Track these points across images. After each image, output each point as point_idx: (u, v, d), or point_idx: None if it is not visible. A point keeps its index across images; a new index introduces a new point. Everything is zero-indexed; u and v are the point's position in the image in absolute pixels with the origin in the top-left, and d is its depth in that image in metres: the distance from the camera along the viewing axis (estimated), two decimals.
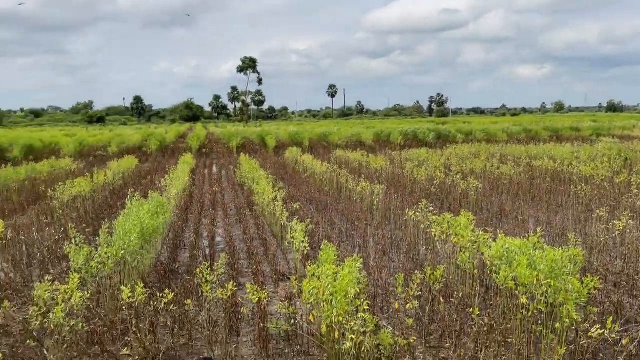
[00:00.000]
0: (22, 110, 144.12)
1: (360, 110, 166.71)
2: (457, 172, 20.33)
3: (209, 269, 7.62)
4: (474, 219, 9.27)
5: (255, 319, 7.76)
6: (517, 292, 6.52)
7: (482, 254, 8.14)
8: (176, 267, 10.79)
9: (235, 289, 7.77)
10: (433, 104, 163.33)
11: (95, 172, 21.23)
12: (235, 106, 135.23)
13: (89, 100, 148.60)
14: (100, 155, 36.25)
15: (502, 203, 16.08)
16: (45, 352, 6.76)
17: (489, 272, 7.95)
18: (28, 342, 6.81)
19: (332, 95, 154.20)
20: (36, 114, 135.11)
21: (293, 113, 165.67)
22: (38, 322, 6.99)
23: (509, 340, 6.84)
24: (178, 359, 6.85)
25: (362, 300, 5.84)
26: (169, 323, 7.53)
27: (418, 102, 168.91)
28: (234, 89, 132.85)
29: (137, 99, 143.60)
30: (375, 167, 23.07)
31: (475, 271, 8.26)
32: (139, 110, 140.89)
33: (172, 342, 7.13)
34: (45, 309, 7.11)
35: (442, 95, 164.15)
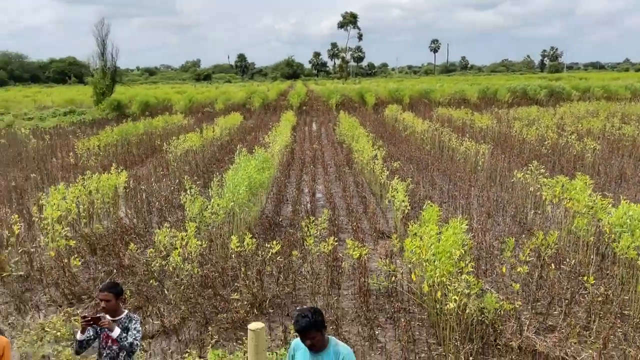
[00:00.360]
0: (137, 68, 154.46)
1: (464, 66, 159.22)
2: (571, 132, 18.92)
3: (311, 224, 7.83)
4: (591, 183, 8.64)
5: (355, 274, 7.92)
6: (639, 262, 6.05)
7: (599, 220, 7.60)
8: (279, 220, 11.21)
9: (336, 244, 7.96)
10: (545, 59, 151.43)
11: (204, 127, 22.39)
12: (334, 63, 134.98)
13: (197, 59, 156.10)
14: (208, 111, 38.03)
15: (623, 167, 14.78)
16: (166, 292, 7.41)
17: (606, 240, 7.43)
18: (151, 281, 7.49)
19: (435, 51, 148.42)
20: (150, 72, 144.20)
21: (393, 69, 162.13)
22: (158, 264, 7.67)
23: (627, 312, 6.42)
24: (283, 306, 7.19)
25: (467, 262, 5.72)
26: (274, 272, 7.90)
27: (528, 56, 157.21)
28: (334, 45, 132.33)
29: (241, 57, 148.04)
30: (480, 126, 22.10)
31: (591, 238, 7.75)
32: (242, 68, 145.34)
33: (277, 290, 7.48)
34: (164, 252, 7.77)
35: (556, 49, 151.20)
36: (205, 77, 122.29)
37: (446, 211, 10.79)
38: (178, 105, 38.17)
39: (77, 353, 4.29)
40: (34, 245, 9.24)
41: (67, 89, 67.50)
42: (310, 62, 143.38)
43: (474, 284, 5.48)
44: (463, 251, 5.83)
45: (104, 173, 11.94)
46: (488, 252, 8.62)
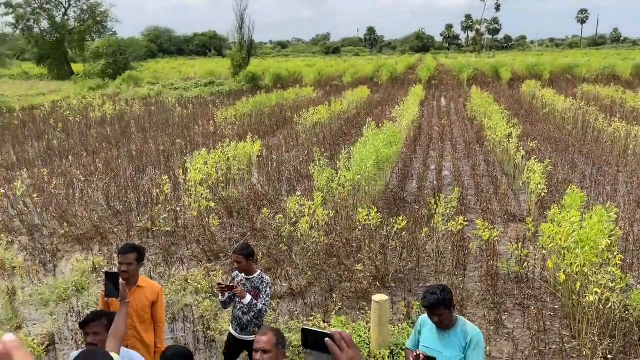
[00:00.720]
0: (270, 42, 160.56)
1: (616, 39, 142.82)
2: None
3: (441, 201, 7.66)
4: None
5: (483, 256, 7.66)
6: None
7: None
8: (404, 195, 11.13)
9: (466, 223, 7.73)
10: None
11: (332, 100, 22.76)
12: (467, 36, 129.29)
13: (327, 32, 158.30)
14: (336, 84, 38.53)
15: None
16: (294, 256, 7.77)
17: None
18: (280, 245, 7.89)
19: (582, 22, 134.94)
20: (282, 45, 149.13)
21: (532, 42, 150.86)
22: (287, 230, 8.05)
23: None
24: (405, 281, 7.19)
25: (615, 254, 5.23)
26: (398, 247, 7.90)
27: None
28: (468, 17, 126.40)
29: (370, 30, 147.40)
30: (632, 106, 19.87)
31: None
32: (371, 41, 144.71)
33: (400, 265, 7.48)
34: (294, 219, 8.13)
35: None
36: (334, 50, 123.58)
37: (588, 197, 9.93)
38: (308, 79, 39.13)
39: (224, 308, 4.79)
40: (179, 204, 10.16)
41: (208, 61, 72.31)
42: (441, 34, 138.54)
43: (621, 278, 5.02)
44: (609, 241, 5.35)
45: (239, 142, 12.69)
46: (636, 244, 7.82)
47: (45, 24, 52.28)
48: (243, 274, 4.59)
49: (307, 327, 1.61)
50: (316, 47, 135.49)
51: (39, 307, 6.71)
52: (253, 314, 4.48)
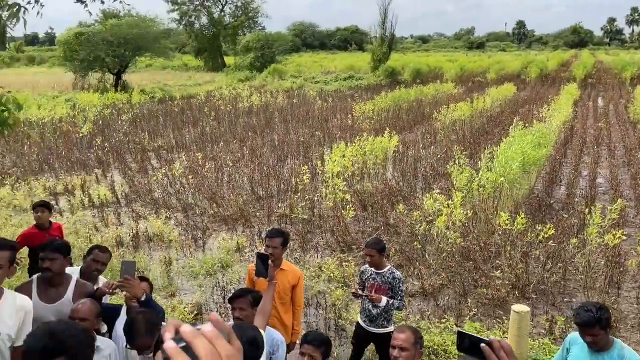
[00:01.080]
0: (411, 36, 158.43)
1: None
2: None
3: (596, 211, 7.00)
4: None
5: None
6: None
7: None
8: (551, 202, 10.35)
9: (625, 238, 6.99)
10: None
11: (474, 97, 21.84)
12: (633, 30, 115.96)
13: (471, 27, 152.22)
14: (479, 81, 36.92)
15: None
16: (427, 256, 7.62)
17: None
18: (415, 243, 7.79)
19: None
20: (423, 40, 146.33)
21: None
22: (422, 228, 7.91)
23: None
24: (548, 294, 6.69)
25: None
26: (541, 257, 7.37)
27: None
28: (635, 9, 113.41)
29: (520, 24, 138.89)
30: None
31: None
32: (520, 36, 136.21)
33: (544, 276, 6.98)
34: (430, 218, 7.97)
35: None
36: (478, 45, 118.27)
37: None
38: (449, 74, 38.06)
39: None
40: (316, 194, 10.49)
41: (348, 55, 73.43)
42: (602, 29, 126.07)
43: None
44: None
45: (376, 136, 12.73)
46: None
47: (204, 20, 56.99)
48: (373, 269, 4.62)
49: (464, 331, 1.57)
50: (459, 42, 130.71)
51: (190, 278, 7.38)
52: (384, 307, 4.50)
